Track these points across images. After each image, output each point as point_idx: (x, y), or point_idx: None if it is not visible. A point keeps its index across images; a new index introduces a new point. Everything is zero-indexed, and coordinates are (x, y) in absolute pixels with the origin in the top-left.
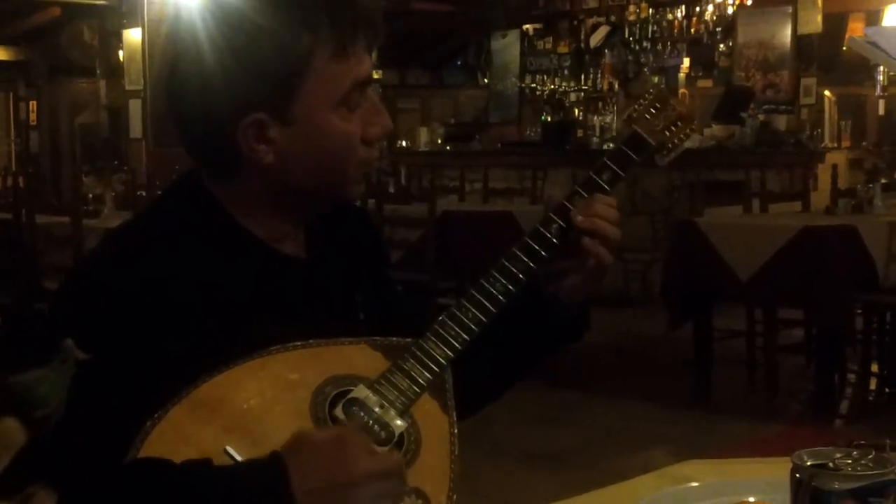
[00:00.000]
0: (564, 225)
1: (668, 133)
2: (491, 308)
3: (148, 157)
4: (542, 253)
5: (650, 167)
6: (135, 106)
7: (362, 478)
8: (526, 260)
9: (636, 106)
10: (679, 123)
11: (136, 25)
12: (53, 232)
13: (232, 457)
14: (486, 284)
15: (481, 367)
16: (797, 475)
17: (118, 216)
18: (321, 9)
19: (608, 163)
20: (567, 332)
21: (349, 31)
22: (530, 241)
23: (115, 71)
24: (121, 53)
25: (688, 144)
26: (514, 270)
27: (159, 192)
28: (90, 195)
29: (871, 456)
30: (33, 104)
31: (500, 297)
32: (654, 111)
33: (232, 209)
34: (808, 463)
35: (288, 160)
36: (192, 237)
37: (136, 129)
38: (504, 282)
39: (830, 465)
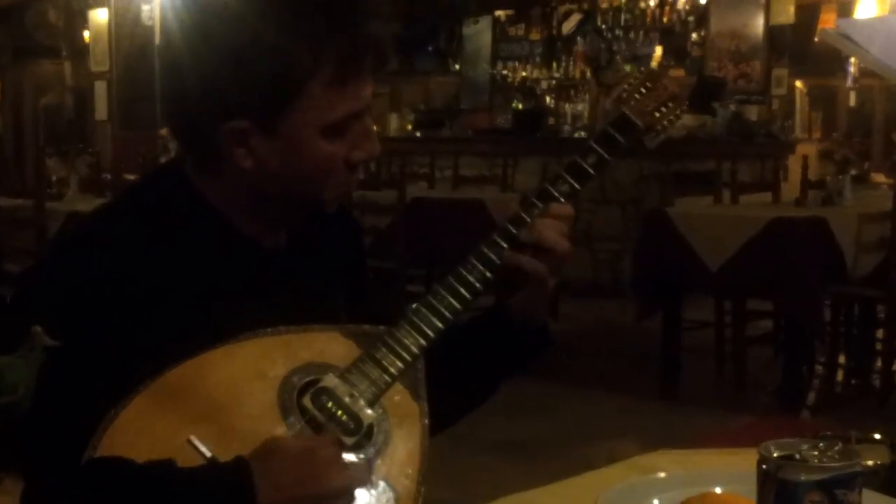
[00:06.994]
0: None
1: (657, 114)
2: (467, 296)
3: (113, 139)
4: (522, 239)
5: (622, 157)
6: (100, 88)
7: (331, 493)
8: (505, 246)
9: (626, 85)
10: (670, 104)
11: (102, 6)
12: (16, 215)
13: (196, 447)
14: (464, 272)
15: (444, 391)
16: (764, 466)
17: (82, 199)
18: (328, 33)
19: (594, 146)
20: (528, 351)
21: (352, 60)
22: (510, 226)
23: (80, 52)
24: (86, 34)
25: (678, 126)
26: (493, 257)
27: (135, 177)
28: (54, 178)
29: (837, 448)
30: None
31: (477, 285)
32: (644, 91)
33: (212, 199)
34: (775, 454)
35: (265, 169)
36: (168, 225)
37: (101, 111)
38: (482, 269)
39: (797, 456)
